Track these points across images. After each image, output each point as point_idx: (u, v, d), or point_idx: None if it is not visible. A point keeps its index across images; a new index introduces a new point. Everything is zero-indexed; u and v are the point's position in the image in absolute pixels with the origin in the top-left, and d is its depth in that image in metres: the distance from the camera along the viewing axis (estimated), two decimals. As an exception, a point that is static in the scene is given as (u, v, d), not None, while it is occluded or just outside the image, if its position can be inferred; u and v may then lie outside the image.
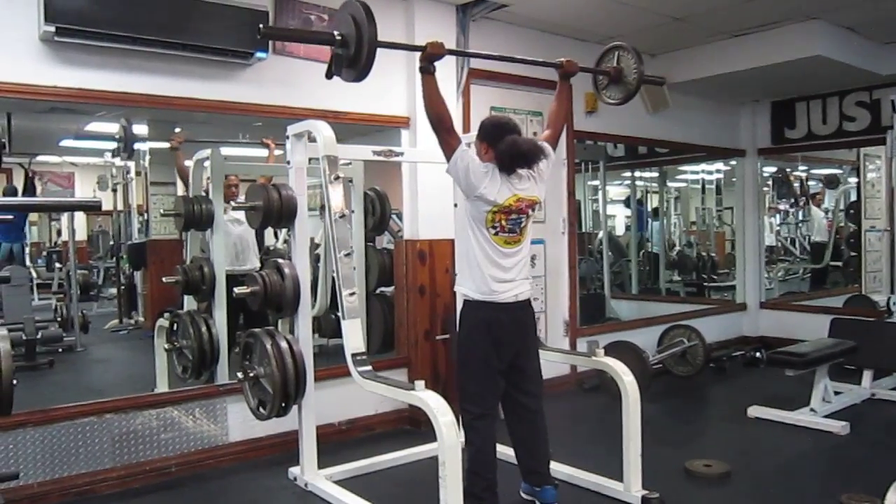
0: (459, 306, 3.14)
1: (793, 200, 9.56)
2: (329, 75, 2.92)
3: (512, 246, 2.97)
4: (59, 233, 9.34)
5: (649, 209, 9.81)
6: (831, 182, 9.31)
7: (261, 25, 2.72)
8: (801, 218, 9.71)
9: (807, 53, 5.12)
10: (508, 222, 2.93)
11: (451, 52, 2.90)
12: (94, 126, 6.04)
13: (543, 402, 3.15)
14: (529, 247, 3.08)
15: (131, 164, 7.25)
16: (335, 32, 2.75)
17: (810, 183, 10.30)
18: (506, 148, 2.87)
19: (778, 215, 9.69)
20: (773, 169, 8.95)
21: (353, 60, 2.73)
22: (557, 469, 3.34)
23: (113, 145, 6.98)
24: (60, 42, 3.25)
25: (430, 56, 2.86)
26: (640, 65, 3.33)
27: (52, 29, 3.15)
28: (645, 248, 9.28)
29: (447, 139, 2.89)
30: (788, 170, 9.07)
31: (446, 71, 4.54)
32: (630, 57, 3.36)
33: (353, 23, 2.68)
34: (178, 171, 5.47)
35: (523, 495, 3.19)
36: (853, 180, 8.47)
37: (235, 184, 5.03)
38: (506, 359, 2.99)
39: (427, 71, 2.85)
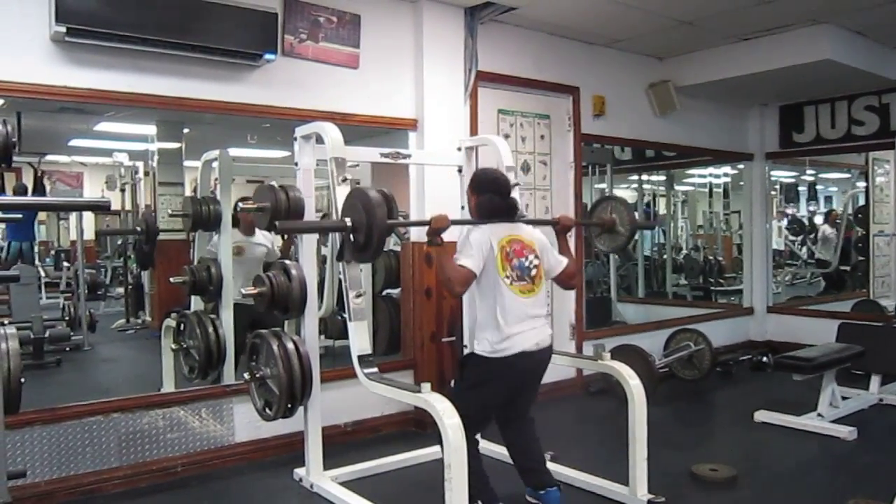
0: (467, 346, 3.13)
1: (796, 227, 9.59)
2: (339, 258, 3.06)
3: (527, 296, 2.95)
4: (58, 235, 9.35)
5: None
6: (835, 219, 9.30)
7: (277, 222, 2.83)
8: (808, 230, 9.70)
9: (816, 57, 5.11)
10: (514, 269, 2.93)
11: (455, 223, 2.98)
12: (104, 126, 6.06)
13: (536, 408, 3.17)
14: (546, 299, 3.11)
15: (140, 164, 7.28)
16: (346, 220, 2.83)
17: (819, 188, 10.30)
18: (485, 201, 3.01)
19: (785, 219, 9.66)
20: (782, 173, 8.95)
21: (363, 246, 2.81)
22: (563, 472, 3.34)
23: (121, 145, 7.03)
24: (71, 42, 3.27)
25: (435, 230, 2.84)
26: (631, 216, 3.53)
27: (63, 29, 3.17)
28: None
29: (468, 282, 2.87)
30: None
31: (454, 73, 4.56)
32: (622, 209, 3.56)
33: (362, 210, 2.76)
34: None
35: (529, 500, 3.19)
36: (861, 184, 8.44)
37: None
38: (512, 396, 3.01)
39: (435, 244, 2.85)
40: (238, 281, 4.46)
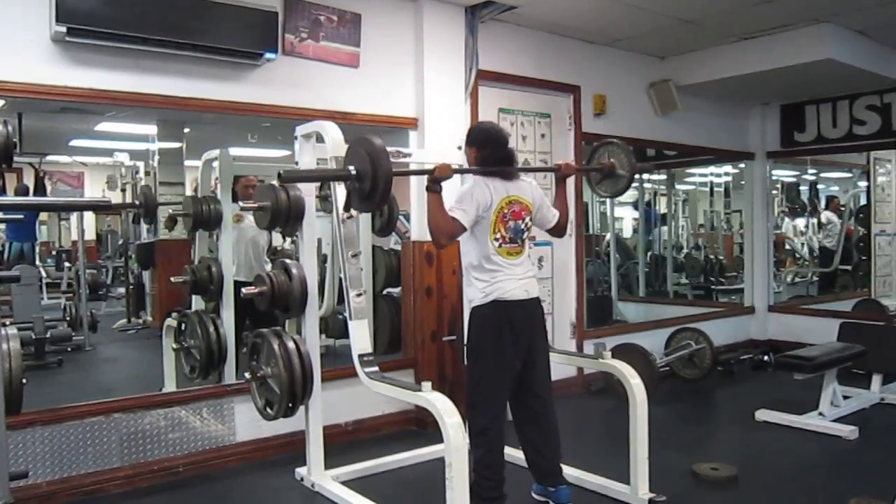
0: (467, 315, 3.14)
1: (797, 208, 9.58)
2: (347, 208, 3.07)
3: (514, 257, 3.03)
4: (58, 235, 9.34)
5: (658, 212, 9.79)
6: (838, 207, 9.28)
7: (281, 171, 2.79)
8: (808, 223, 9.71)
9: (817, 57, 5.10)
10: (508, 231, 3.00)
11: (458, 171, 3.00)
12: (105, 126, 6.07)
13: (553, 404, 3.17)
14: (529, 258, 3.15)
15: (141, 164, 7.29)
16: (350, 168, 2.80)
17: (820, 187, 10.31)
18: (486, 155, 3.04)
19: (789, 218, 9.68)
20: (783, 172, 8.95)
21: (368, 195, 2.77)
22: (564, 471, 3.33)
23: (122, 145, 7.04)
24: (72, 42, 3.26)
25: (437, 178, 2.88)
26: (631, 160, 3.48)
27: (64, 29, 3.17)
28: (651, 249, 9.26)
29: (455, 236, 2.96)
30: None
31: (454, 73, 4.56)
32: (621, 152, 3.53)
33: (367, 158, 2.73)
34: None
35: (535, 496, 3.21)
36: (863, 184, 8.43)
37: (254, 184, 4.95)
38: (521, 353, 3.00)
39: (433, 190, 2.89)
40: (241, 248, 4.85)
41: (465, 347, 3.18)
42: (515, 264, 3.02)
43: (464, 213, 2.91)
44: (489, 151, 3.05)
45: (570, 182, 5.26)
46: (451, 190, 2.94)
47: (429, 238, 4.34)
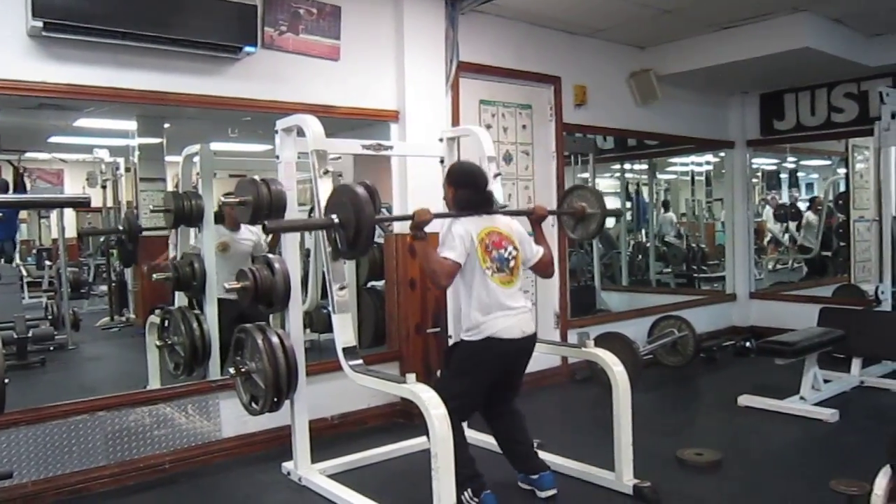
0: (451, 317, 3.16)
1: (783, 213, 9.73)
2: (335, 257, 3.10)
3: (507, 286, 3.01)
4: (39, 233, 9.21)
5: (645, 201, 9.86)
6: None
7: (266, 222, 2.80)
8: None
9: (795, 45, 5.14)
10: (493, 261, 2.99)
11: (438, 216, 3.01)
12: (84, 122, 6.00)
13: (522, 397, 3.24)
14: (521, 290, 3.15)
15: (121, 160, 7.22)
16: (333, 217, 2.82)
17: (800, 174, 10.41)
18: (462, 196, 3.07)
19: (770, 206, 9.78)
20: (763, 160, 9.03)
21: (352, 243, 2.79)
22: (550, 459, 3.36)
23: (102, 141, 6.95)
24: (48, 37, 3.23)
25: (419, 224, 2.90)
26: (601, 203, 3.61)
27: (40, 24, 3.13)
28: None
29: (454, 274, 2.95)
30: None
31: (435, 65, 4.55)
32: (590, 195, 3.66)
33: (350, 206, 2.76)
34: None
35: (521, 485, 3.24)
36: (842, 171, 8.52)
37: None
38: (502, 375, 3.06)
39: (419, 238, 2.92)
40: (224, 278, 4.40)
41: (445, 361, 3.20)
42: (508, 294, 2.99)
43: (452, 250, 2.92)
44: (468, 193, 3.07)
45: (552, 170, 5.35)
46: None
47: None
